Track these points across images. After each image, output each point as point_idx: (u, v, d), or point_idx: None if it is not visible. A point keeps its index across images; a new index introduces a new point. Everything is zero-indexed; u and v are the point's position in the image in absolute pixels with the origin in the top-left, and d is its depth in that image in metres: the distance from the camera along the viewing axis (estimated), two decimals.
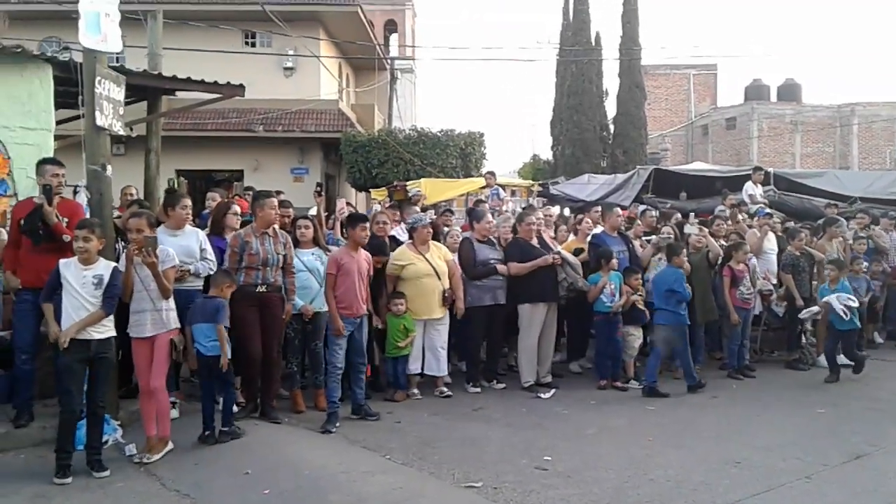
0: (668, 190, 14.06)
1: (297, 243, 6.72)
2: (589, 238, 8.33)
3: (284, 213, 7.67)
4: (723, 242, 8.74)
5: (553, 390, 7.42)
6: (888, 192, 13.76)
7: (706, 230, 8.75)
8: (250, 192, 8.13)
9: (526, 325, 7.54)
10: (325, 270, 6.42)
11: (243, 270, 6.17)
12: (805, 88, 38.32)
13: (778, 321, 9.19)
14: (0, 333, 6.02)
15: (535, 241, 7.69)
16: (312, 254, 6.73)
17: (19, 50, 6.87)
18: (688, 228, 8.84)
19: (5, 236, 5.98)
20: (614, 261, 7.68)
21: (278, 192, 7.02)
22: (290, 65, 20.58)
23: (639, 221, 9.49)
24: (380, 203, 13.15)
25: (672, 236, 8.39)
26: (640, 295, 7.79)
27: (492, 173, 13.90)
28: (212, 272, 6.17)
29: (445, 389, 7.30)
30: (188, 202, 6.30)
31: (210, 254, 6.27)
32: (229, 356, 5.52)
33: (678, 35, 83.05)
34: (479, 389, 7.48)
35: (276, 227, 6.36)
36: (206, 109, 15.82)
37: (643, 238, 8.85)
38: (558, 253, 7.65)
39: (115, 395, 5.72)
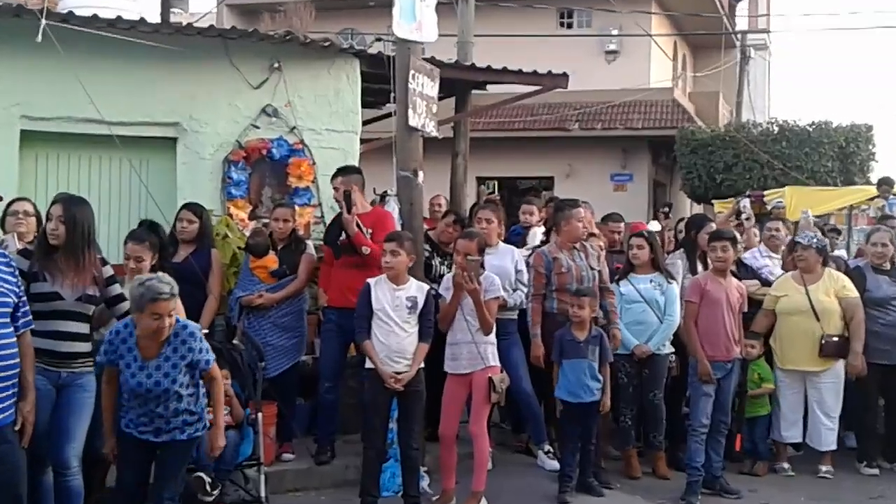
0: None
1: (630, 267, 6.78)
2: None
3: (615, 228, 7.83)
4: None
5: None
6: None
7: None
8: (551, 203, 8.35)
9: None
10: (685, 298, 6.49)
11: (554, 295, 6.40)
12: None
13: None
14: (303, 358, 6.79)
15: None
16: (651, 280, 6.73)
17: (328, 44, 7.76)
18: None
19: (312, 250, 6.76)
20: None
21: (584, 203, 7.14)
22: (613, 47, 20.98)
23: None
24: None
25: None
26: None
27: (888, 180, 12.88)
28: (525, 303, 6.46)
29: (828, 468, 6.86)
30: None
31: (526, 277, 6.55)
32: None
33: None
34: (876, 472, 7.03)
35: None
36: (513, 106, 16.70)
37: None
38: None
39: (423, 437, 6.16)
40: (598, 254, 6.73)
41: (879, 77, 78.57)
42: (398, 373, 5.37)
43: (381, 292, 5.45)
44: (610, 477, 6.41)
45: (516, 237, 7.79)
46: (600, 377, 6.01)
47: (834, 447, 6.96)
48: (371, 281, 5.52)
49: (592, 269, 6.57)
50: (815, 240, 6.98)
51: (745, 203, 10.34)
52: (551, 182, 20.09)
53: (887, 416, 7.30)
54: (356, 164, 7.29)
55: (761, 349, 6.95)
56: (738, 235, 7.29)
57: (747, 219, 9.35)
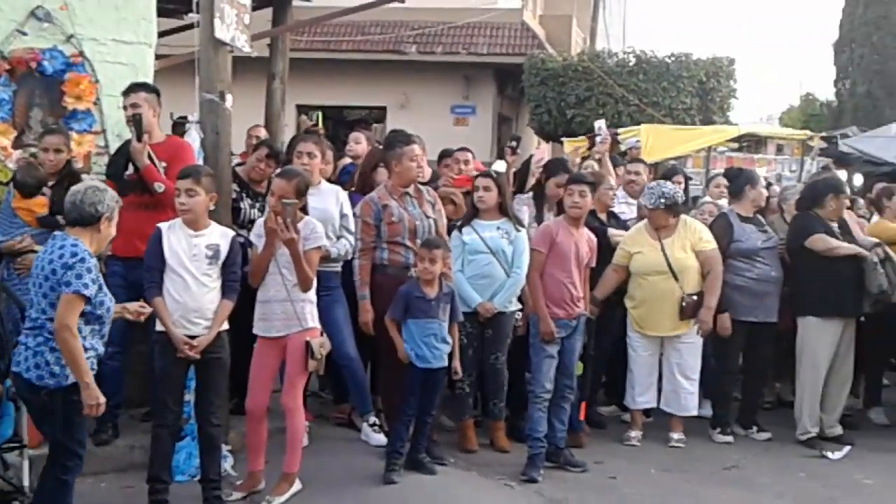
0: None
1: (474, 212, 6.74)
2: None
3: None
4: None
5: (846, 448, 7.16)
6: None
7: None
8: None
9: (811, 349, 7.25)
10: (530, 246, 6.50)
11: (385, 246, 6.33)
12: None
13: None
14: None
15: (834, 225, 7.32)
16: (498, 227, 6.69)
17: None
18: None
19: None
20: None
21: (417, 138, 7.05)
22: None
23: None
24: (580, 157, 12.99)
25: None
26: None
27: None
28: (350, 254, 6.35)
29: (680, 436, 7.11)
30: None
31: (352, 223, 6.40)
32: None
33: None
34: (731, 439, 7.34)
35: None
36: (340, 22, 16.33)
37: None
38: (879, 244, 7.28)
39: (227, 411, 5.95)
40: (434, 200, 6.63)
41: (741, 6, 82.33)
42: (194, 336, 5.12)
43: (176, 239, 5.17)
44: (443, 451, 6.41)
45: (346, 176, 7.61)
46: (449, 339, 5.97)
47: (695, 412, 7.22)
48: (163, 226, 5.23)
49: (428, 217, 6.48)
50: (661, 200, 7.08)
51: (601, 124, 10.53)
52: (384, 113, 19.95)
53: (746, 380, 7.62)
54: (150, 82, 6.87)
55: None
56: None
57: (602, 141, 9.49)
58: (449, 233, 6.68)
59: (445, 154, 8.17)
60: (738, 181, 7.86)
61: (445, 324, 5.93)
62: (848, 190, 7.60)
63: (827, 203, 7.28)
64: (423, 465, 5.97)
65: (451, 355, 5.99)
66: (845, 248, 7.16)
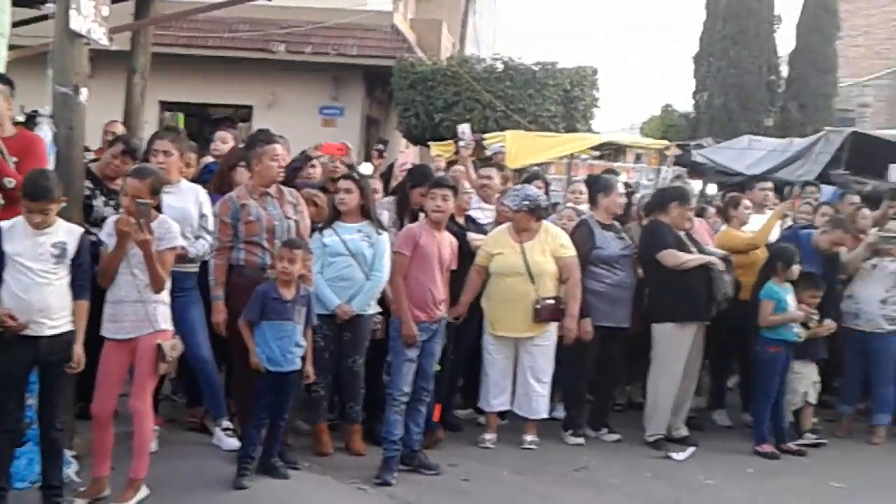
0: (872, 164, 13.60)
1: (336, 214, 6.72)
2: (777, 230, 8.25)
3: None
4: None
5: (691, 449, 7.39)
6: None
7: None
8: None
9: (664, 354, 7.49)
10: (394, 249, 6.51)
11: (242, 247, 6.27)
12: None
13: None
14: None
15: (682, 233, 7.58)
16: (359, 230, 6.68)
17: None
18: None
19: None
20: (796, 267, 7.46)
21: (281, 138, 6.99)
22: None
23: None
24: (445, 161, 13.08)
25: None
26: (815, 316, 7.58)
27: None
28: (210, 254, 6.25)
29: (533, 438, 7.22)
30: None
31: (211, 223, 6.30)
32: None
33: None
34: (581, 440, 7.50)
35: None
36: (207, 17, 15.99)
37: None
38: (726, 256, 7.59)
39: (71, 415, 5.76)
40: (297, 201, 6.56)
41: (602, 18, 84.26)
42: (40, 336, 4.94)
43: (18, 237, 4.98)
44: (297, 455, 6.35)
45: (209, 175, 7.47)
46: (303, 343, 5.92)
47: (545, 415, 7.32)
48: (4, 224, 5.03)
49: (288, 218, 6.40)
50: (525, 202, 7.19)
51: (465, 128, 10.62)
52: (250, 112, 19.61)
53: (599, 382, 7.77)
54: (2, 73, 6.60)
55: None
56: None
57: (465, 146, 9.57)
58: (311, 234, 6.64)
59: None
60: (592, 189, 8.05)
61: (301, 327, 5.88)
62: (693, 200, 7.84)
63: (671, 210, 7.51)
64: (276, 470, 5.90)
65: (304, 359, 5.94)
66: (694, 261, 7.40)
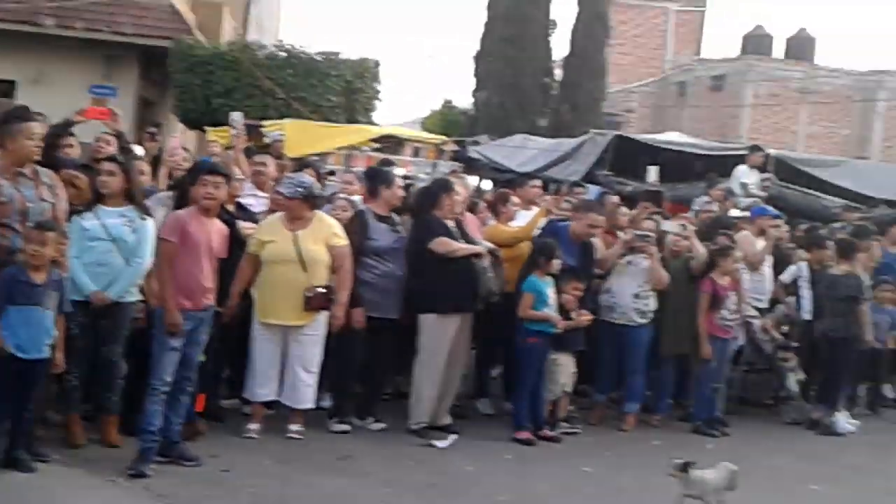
0: (633, 166, 14.37)
1: (98, 197, 6.48)
2: (539, 224, 8.45)
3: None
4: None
5: (453, 437, 7.54)
6: None
7: (692, 228, 9.01)
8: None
9: (430, 344, 7.59)
10: (161, 236, 6.31)
11: None
12: (820, 45, 39.92)
13: (764, 360, 9.51)
14: None
15: (451, 224, 7.70)
16: (122, 215, 6.45)
17: None
18: (666, 225, 9.06)
19: None
20: (557, 261, 7.74)
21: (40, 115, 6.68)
22: None
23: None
24: (222, 147, 12.81)
25: (651, 234, 8.50)
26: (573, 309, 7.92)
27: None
28: None
29: (298, 428, 7.18)
30: None
31: None
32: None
33: None
34: (347, 428, 7.52)
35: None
36: None
37: None
38: (494, 251, 7.78)
39: None
40: (53, 183, 6.21)
41: (386, 11, 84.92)
42: None
43: None
44: (48, 447, 6.08)
45: None
46: (55, 330, 5.65)
47: (311, 405, 7.29)
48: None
49: (43, 200, 6.06)
50: (299, 189, 7.16)
51: (237, 116, 10.45)
52: (13, 88, 18.52)
53: (367, 372, 7.80)
54: None
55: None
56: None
57: (237, 134, 9.42)
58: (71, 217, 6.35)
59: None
60: (374, 181, 8.10)
61: (52, 313, 5.63)
62: (458, 189, 8.00)
63: (443, 202, 7.66)
64: (21, 463, 5.62)
65: (54, 347, 5.68)
66: (464, 249, 7.56)
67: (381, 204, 7.76)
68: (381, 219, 7.69)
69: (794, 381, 9.42)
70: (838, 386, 9.19)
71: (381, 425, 7.67)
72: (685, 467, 5.93)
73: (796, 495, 7.03)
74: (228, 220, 6.99)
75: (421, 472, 6.68)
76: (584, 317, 7.95)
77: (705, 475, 5.98)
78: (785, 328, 9.66)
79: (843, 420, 9.07)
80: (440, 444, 7.36)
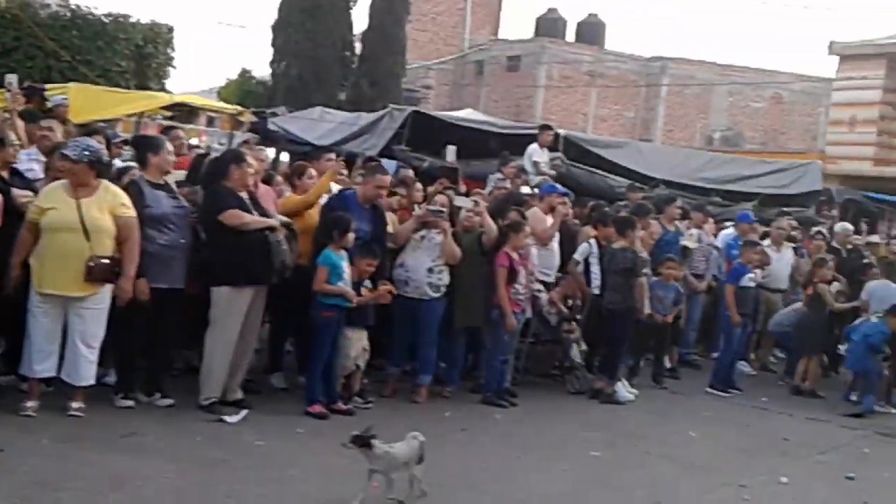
0: (430, 142, 14.52)
1: None
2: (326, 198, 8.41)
3: None
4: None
5: (244, 412, 7.45)
6: (698, 178, 15.33)
7: (483, 204, 9.18)
8: None
9: (222, 317, 7.46)
10: None
11: None
12: (610, 30, 41.41)
13: (550, 332, 9.83)
14: None
15: (244, 195, 7.57)
16: None
17: None
18: (459, 201, 9.18)
19: None
20: (351, 235, 7.74)
21: None
22: None
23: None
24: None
25: (444, 210, 8.59)
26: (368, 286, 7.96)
27: None
28: None
29: (80, 405, 6.91)
30: None
31: None
32: None
33: None
34: (132, 404, 7.32)
35: None
36: None
37: None
38: (289, 224, 7.72)
39: None
40: None
41: None
42: None
43: None
44: None
45: None
46: None
47: (93, 381, 7.02)
48: None
49: None
50: (86, 153, 6.84)
51: (12, 78, 9.94)
52: None
53: (153, 345, 7.55)
54: None
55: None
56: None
57: (13, 98, 8.95)
58: None
59: None
60: (141, 149, 7.85)
61: None
62: (250, 160, 7.84)
63: (232, 173, 7.51)
64: None
65: None
66: (256, 222, 7.44)
67: (153, 171, 7.51)
68: (155, 186, 7.45)
69: (577, 351, 9.85)
70: (619, 357, 9.64)
71: (169, 401, 7.46)
72: (364, 441, 5.67)
73: (579, 461, 7.31)
74: (2, 187, 6.62)
75: (210, 449, 6.57)
76: (385, 287, 8.01)
77: (392, 449, 5.78)
78: (570, 301, 10.01)
79: (624, 389, 9.53)
80: (231, 419, 7.25)
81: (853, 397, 10.48)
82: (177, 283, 7.39)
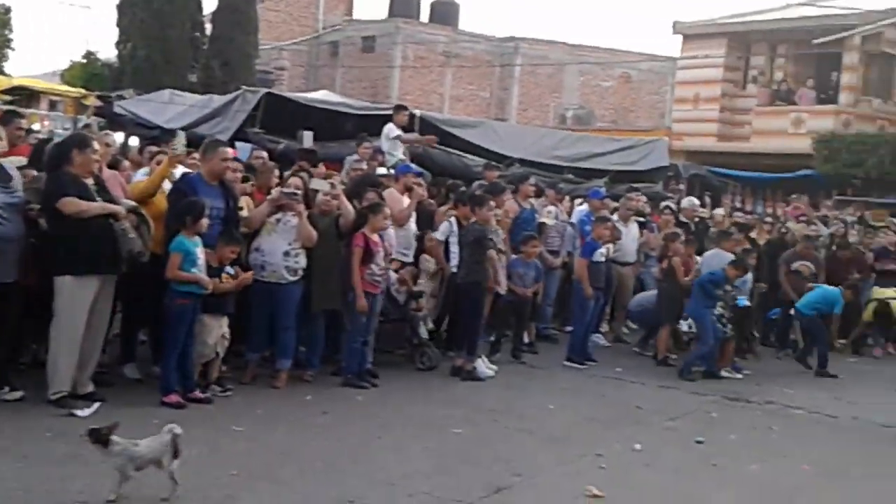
0: (284, 124, 14.32)
1: None
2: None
3: None
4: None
5: (96, 405, 7.24)
6: (552, 156, 15.62)
7: (340, 186, 9.13)
8: None
9: (66, 309, 7.23)
10: None
11: None
12: (463, 11, 41.81)
13: (397, 310, 9.85)
14: None
15: (90, 181, 7.32)
16: None
17: None
18: (315, 183, 9.09)
19: None
20: (205, 220, 7.59)
21: None
22: None
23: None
24: None
25: (298, 192, 8.50)
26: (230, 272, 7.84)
27: None
28: None
29: None
30: None
31: None
32: None
33: None
34: None
35: None
36: None
37: None
38: (137, 209, 7.51)
39: None
40: None
41: None
42: None
43: None
44: None
45: None
46: None
47: None
48: None
49: None
50: None
51: None
52: None
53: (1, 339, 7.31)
54: None
55: None
56: None
57: None
58: None
59: None
60: None
61: None
62: (95, 145, 7.58)
63: (74, 158, 7.25)
64: None
65: None
66: (95, 208, 7.20)
67: None
68: None
69: (424, 329, 9.90)
70: (475, 332, 9.74)
71: (18, 395, 7.21)
72: (98, 437, 5.34)
73: (440, 439, 7.37)
74: None
75: (60, 444, 6.34)
76: (247, 274, 7.96)
77: (134, 446, 5.42)
78: (422, 281, 10.07)
79: (483, 366, 9.65)
80: (82, 413, 7.02)
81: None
82: (7, 278, 7.08)
